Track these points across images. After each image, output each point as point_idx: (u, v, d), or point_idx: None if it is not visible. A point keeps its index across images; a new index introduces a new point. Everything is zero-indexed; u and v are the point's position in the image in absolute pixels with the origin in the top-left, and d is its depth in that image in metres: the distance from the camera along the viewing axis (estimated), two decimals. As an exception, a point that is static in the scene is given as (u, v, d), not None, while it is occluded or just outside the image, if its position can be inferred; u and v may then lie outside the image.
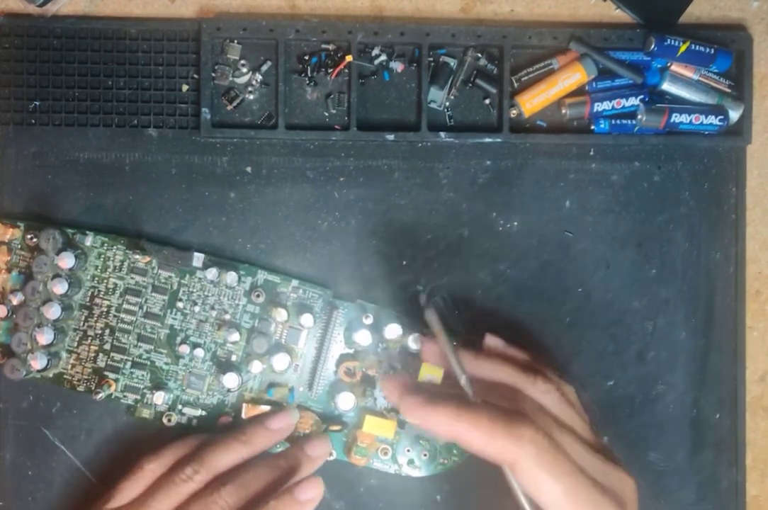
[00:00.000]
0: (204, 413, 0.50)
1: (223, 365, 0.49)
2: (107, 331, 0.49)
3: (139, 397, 0.49)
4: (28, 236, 0.49)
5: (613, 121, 0.51)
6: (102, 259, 0.49)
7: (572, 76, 0.51)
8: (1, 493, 0.50)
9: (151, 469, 0.46)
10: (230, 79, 0.51)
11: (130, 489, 0.46)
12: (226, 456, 0.46)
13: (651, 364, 0.52)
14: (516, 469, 0.39)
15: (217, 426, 0.49)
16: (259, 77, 0.51)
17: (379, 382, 0.49)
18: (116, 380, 0.49)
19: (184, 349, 0.49)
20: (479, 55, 0.51)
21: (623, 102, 0.51)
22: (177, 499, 0.44)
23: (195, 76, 0.51)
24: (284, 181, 0.51)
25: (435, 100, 0.51)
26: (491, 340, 0.48)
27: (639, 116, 0.51)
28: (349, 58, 0.50)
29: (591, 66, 0.50)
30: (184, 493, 0.44)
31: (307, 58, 0.51)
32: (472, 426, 0.39)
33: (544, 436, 0.39)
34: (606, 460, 0.42)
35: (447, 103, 0.51)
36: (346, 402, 0.49)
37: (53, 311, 0.48)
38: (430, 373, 0.49)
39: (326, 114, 0.51)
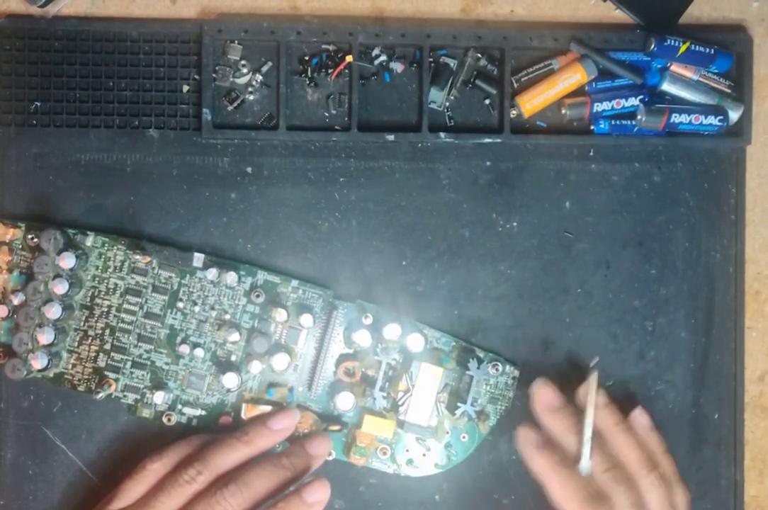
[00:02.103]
0: (204, 413, 0.50)
1: (223, 365, 0.49)
2: (108, 331, 0.50)
3: (139, 397, 0.50)
4: (29, 236, 0.49)
5: (613, 122, 0.51)
6: (103, 260, 0.50)
7: (572, 77, 0.51)
8: (2, 493, 0.50)
9: (155, 469, 0.46)
10: (231, 80, 0.51)
11: (134, 489, 0.46)
12: (229, 456, 0.46)
13: (651, 364, 0.52)
14: None
15: (218, 426, 0.49)
16: (260, 78, 0.51)
17: (533, 387, 0.48)
18: (116, 380, 0.50)
19: (184, 349, 0.49)
20: (480, 56, 0.51)
21: (623, 102, 0.51)
22: (180, 499, 0.44)
23: (196, 77, 0.51)
24: (285, 182, 0.51)
25: (435, 101, 0.51)
26: (640, 417, 0.49)
27: (639, 117, 0.51)
28: (349, 59, 0.50)
29: (591, 66, 0.51)
30: (187, 494, 0.44)
31: (307, 59, 0.51)
32: (559, 487, 0.45)
33: None
34: None
35: (447, 104, 0.52)
36: (345, 402, 0.49)
37: (54, 311, 0.48)
38: (430, 373, 0.49)
39: (327, 115, 0.51)
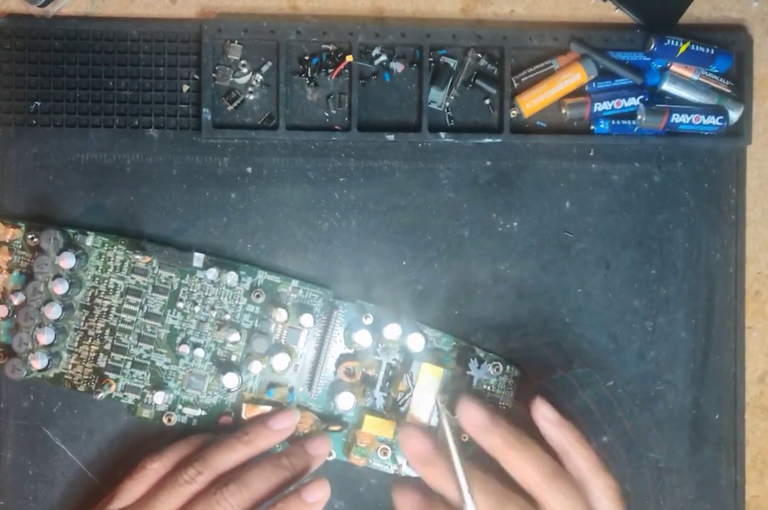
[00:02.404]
0: (204, 413, 0.50)
1: (223, 365, 0.49)
2: (108, 331, 0.49)
3: (139, 397, 0.50)
4: (29, 236, 0.49)
5: (613, 122, 0.51)
6: (103, 260, 0.50)
7: (572, 77, 0.51)
8: (2, 493, 0.50)
9: (155, 469, 0.46)
10: (231, 79, 0.51)
11: (134, 489, 0.46)
12: (229, 456, 0.46)
13: (651, 364, 0.52)
14: None
15: (218, 426, 0.49)
16: (259, 78, 0.51)
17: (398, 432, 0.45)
18: (116, 380, 0.50)
19: (184, 349, 0.49)
20: (480, 55, 0.51)
21: (623, 102, 0.51)
22: (180, 499, 0.44)
23: (196, 76, 0.51)
24: (285, 182, 0.51)
25: (435, 101, 0.51)
26: (541, 410, 0.43)
27: (639, 117, 0.51)
28: (349, 58, 0.50)
29: (591, 66, 0.51)
30: (187, 494, 0.44)
31: (307, 58, 0.51)
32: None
33: None
34: None
35: (447, 104, 0.52)
36: (345, 402, 0.49)
37: (54, 311, 0.48)
38: (430, 373, 0.49)
39: (327, 114, 0.51)
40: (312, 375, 0.50)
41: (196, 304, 0.50)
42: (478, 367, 0.49)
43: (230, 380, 0.48)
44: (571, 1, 0.53)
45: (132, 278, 0.50)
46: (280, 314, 0.49)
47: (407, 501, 0.41)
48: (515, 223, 0.52)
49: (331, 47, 0.51)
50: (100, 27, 0.50)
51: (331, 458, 0.49)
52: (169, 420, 0.49)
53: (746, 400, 0.52)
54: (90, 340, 0.50)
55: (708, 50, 0.50)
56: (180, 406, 0.50)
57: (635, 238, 0.52)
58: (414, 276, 0.51)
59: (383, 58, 0.51)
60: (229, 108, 0.51)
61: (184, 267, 0.49)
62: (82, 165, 0.51)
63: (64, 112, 0.51)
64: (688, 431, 0.52)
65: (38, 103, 0.50)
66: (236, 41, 0.51)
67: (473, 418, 0.42)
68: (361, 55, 0.51)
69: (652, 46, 0.50)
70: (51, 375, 0.50)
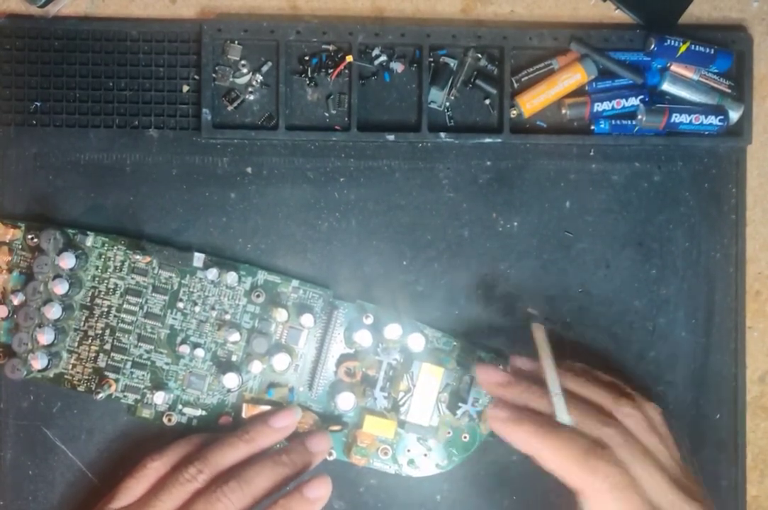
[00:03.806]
0: (204, 413, 0.50)
1: (224, 365, 0.49)
2: (108, 331, 0.49)
3: (139, 397, 0.50)
4: (29, 236, 0.49)
5: (613, 122, 0.51)
6: (103, 260, 0.50)
7: (572, 77, 0.51)
8: (2, 493, 0.50)
9: (155, 468, 0.46)
10: (231, 80, 0.51)
11: (134, 488, 0.46)
12: (230, 455, 0.46)
13: (651, 364, 0.52)
14: (588, 500, 0.41)
15: (218, 426, 0.49)
16: (259, 78, 0.51)
17: (475, 370, 0.48)
18: (116, 380, 0.50)
19: (185, 349, 0.49)
20: (479, 55, 0.51)
21: (623, 102, 0.51)
22: (181, 498, 0.44)
23: (196, 77, 0.51)
24: (285, 182, 0.51)
25: (435, 101, 0.51)
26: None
27: (639, 116, 0.51)
28: (349, 58, 0.50)
29: (591, 66, 0.50)
30: (188, 493, 0.44)
31: (307, 58, 0.51)
32: (552, 451, 0.42)
33: (621, 472, 0.41)
34: (686, 496, 0.42)
35: (447, 104, 0.52)
36: (346, 402, 0.49)
37: (54, 311, 0.48)
38: (431, 373, 0.49)
39: (327, 115, 0.51)
40: (312, 375, 0.50)
41: (196, 304, 0.50)
42: (478, 367, 0.49)
43: (230, 380, 0.48)
44: (571, 1, 0.53)
45: (132, 278, 0.50)
46: (281, 314, 0.49)
47: (498, 415, 0.44)
48: (515, 223, 0.52)
49: (331, 47, 0.51)
50: (100, 27, 0.50)
51: (331, 458, 0.49)
52: (169, 420, 0.49)
53: (747, 400, 0.52)
54: (90, 340, 0.50)
55: (708, 50, 0.50)
56: (180, 406, 0.50)
57: (635, 238, 0.52)
58: (414, 276, 0.51)
59: (383, 58, 0.51)
60: (229, 108, 0.51)
61: (184, 267, 0.49)
62: (82, 165, 0.51)
63: (64, 112, 0.51)
64: (689, 432, 0.51)
65: (38, 103, 0.50)
66: (236, 41, 0.51)
67: (493, 377, 0.47)
68: (361, 55, 0.51)
69: (652, 46, 0.50)
70: (51, 375, 0.50)
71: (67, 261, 0.48)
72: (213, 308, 0.50)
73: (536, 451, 0.42)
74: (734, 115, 0.51)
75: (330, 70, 0.51)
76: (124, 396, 0.50)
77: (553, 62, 0.51)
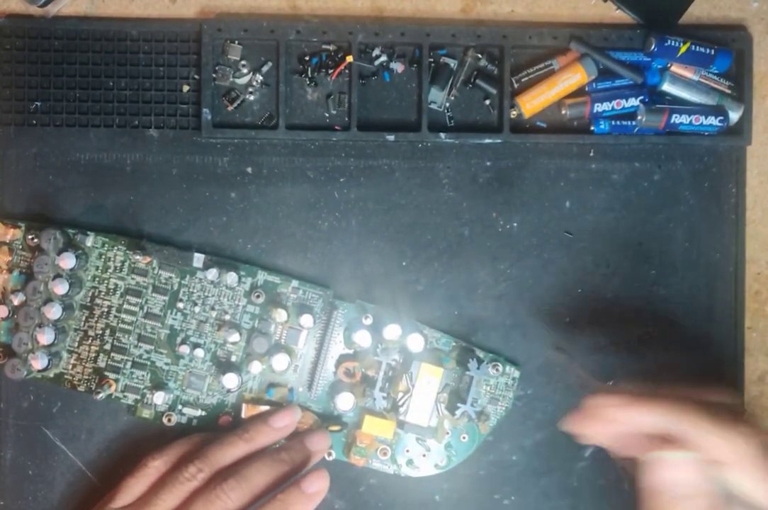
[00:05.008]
0: (204, 413, 0.50)
1: (223, 365, 0.49)
2: (108, 332, 0.49)
3: (139, 397, 0.50)
4: (29, 236, 0.49)
5: (613, 122, 0.51)
6: (103, 260, 0.50)
7: (572, 77, 0.51)
8: (2, 493, 0.50)
9: (156, 467, 0.46)
10: (231, 79, 0.51)
11: (135, 487, 0.46)
12: (230, 453, 0.46)
13: (651, 364, 0.52)
14: (733, 468, 0.38)
15: (218, 426, 0.49)
16: (259, 78, 0.51)
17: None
18: (116, 380, 0.50)
19: (184, 349, 0.49)
20: (479, 55, 0.51)
21: (623, 102, 0.51)
22: (181, 497, 0.44)
23: (196, 76, 0.51)
24: (285, 181, 0.51)
25: (435, 101, 0.51)
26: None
27: (639, 117, 0.51)
28: (349, 58, 0.50)
29: (591, 66, 0.50)
30: (188, 492, 0.44)
31: (307, 58, 0.51)
32: (694, 421, 0.39)
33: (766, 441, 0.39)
34: None
35: (447, 104, 0.52)
36: (345, 402, 0.49)
37: (54, 311, 0.48)
38: (430, 373, 0.49)
39: (327, 114, 0.51)
40: (312, 375, 0.50)
41: (196, 304, 0.50)
42: (478, 368, 0.49)
43: (230, 380, 0.49)
44: (571, 0, 0.53)
45: (132, 278, 0.50)
46: (280, 314, 0.49)
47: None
48: (515, 223, 0.52)
49: (331, 47, 0.51)
50: (100, 27, 0.50)
51: (330, 458, 0.49)
52: (169, 420, 0.50)
53: (746, 400, 0.52)
54: (90, 340, 0.50)
55: (708, 50, 0.50)
56: (180, 406, 0.50)
57: (635, 237, 0.52)
58: (414, 276, 0.51)
59: (383, 58, 0.51)
60: (229, 108, 0.51)
61: (184, 267, 0.49)
62: (81, 165, 0.51)
63: (64, 112, 0.51)
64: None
65: (38, 103, 0.50)
66: (236, 41, 0.51)
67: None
68: (361, 54, 0.51)
69: (653, 46, 0.50)
70: (51, 375, 0.50)
71: (67, 261, 0.48)
72: (213, 308, 0.50)
73: (678, 422, 0.39)
74: (734, 116, 0.51)
75: (330, 70, 0.51)
76: (124, 396, 0.50)
77: (553, 62, 0.51)
